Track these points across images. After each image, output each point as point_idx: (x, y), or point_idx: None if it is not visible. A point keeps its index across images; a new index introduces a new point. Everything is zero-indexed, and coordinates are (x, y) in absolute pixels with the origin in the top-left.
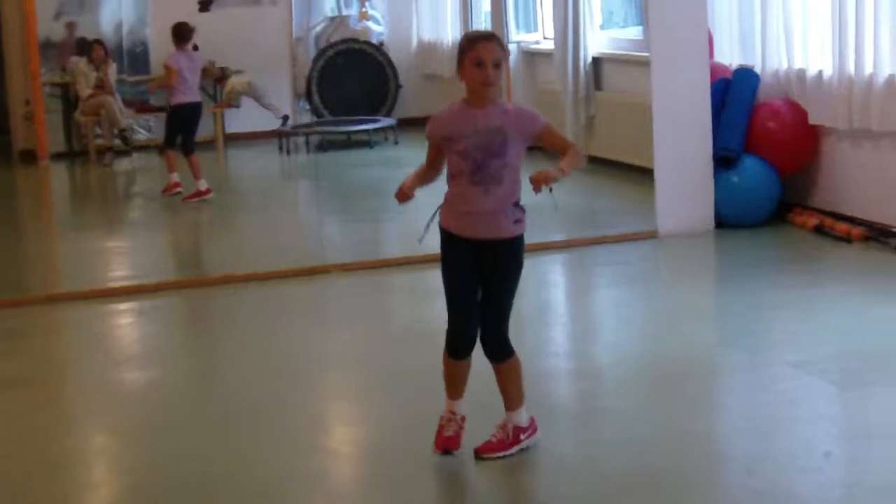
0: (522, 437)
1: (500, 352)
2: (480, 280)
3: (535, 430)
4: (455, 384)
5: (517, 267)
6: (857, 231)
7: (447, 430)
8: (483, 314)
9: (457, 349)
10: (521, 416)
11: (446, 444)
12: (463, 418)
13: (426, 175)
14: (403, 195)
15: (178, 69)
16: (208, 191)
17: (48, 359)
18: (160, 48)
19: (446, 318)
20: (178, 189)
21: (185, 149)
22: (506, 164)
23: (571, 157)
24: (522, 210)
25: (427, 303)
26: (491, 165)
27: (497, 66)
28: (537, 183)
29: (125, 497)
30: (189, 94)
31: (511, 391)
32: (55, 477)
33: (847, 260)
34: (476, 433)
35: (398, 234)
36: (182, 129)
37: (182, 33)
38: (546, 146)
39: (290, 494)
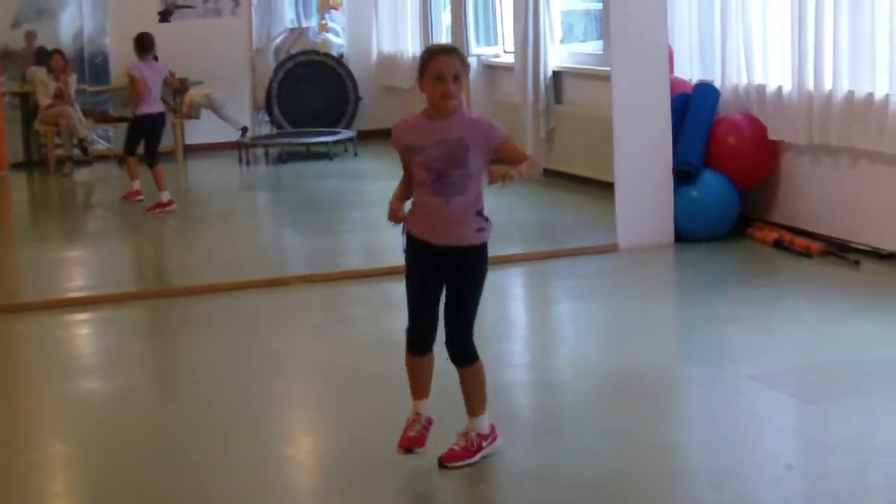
0: (484, 444)
1: (466, 356)
2: (444, 286)
3: (495, 438)
4: (418, 383)
5: (481, 274)
6: (816, 246)
7: (411, 430)
8: (448, 320)
9: (414, 343)
10: (483, 423)
11: (409, 443)
12: (428, 420)
13: (407, 187)
14: (395, 216)
15: (142, 78)
16: (171, 202)
17: (8, 369)
18: (120, 58)
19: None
20: (140, 197)
21: (149, 159)
22: (468, 174)
23: (529, 165)
24: (486, 219)
25: (387, 314)
26: (453, 176)
27: (457, 79)
28: (493, 176)
29: None
30: (153, 104)
31: (474, 396)
32: (17, 488)
33: (807, 274)
34: (435, 442)
35: (358, 245)
36: (146, 138)
37: (144, 44)
38: (504, 159)
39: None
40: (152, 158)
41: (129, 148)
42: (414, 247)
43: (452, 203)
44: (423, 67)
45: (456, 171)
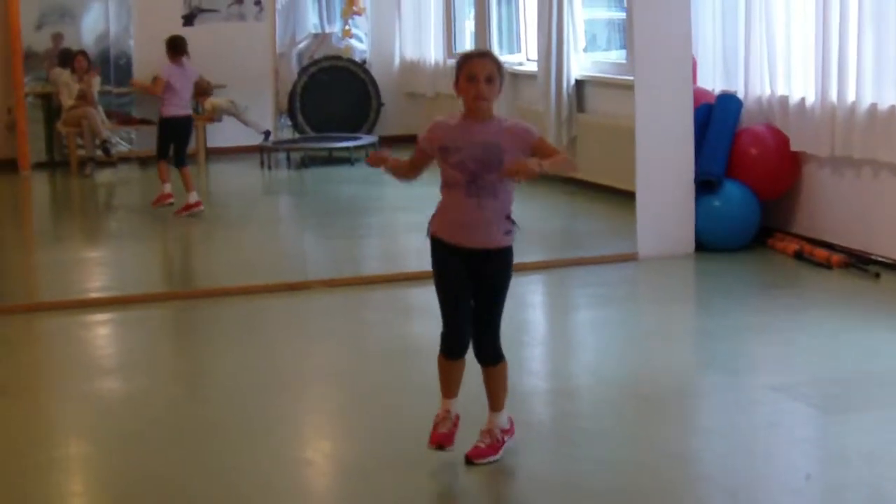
0: (507, 438)
1: (494, 357)
2: (472, 288)
3: (513, 432)
4: (450, 384)
5: (507, 276)
6: (836, 257)
7: (442, 427)
8: (476, 322)
9: (451, 350)
10: (504, 418)
11: (440, 440)
12: (457, 417)
13: (407, 171)
14: (378, 159)
15: (167, 80)
16: (198, 203)
17: (30, 369)
18: (143, 60)
19: (429, 332)
20: (170, 200)
21: (177, 161)
22: (501, 178)
23: (560, 160)
24: (513, 223)
25: (408, 319)
26: (486, 179)
27: (490, 80)
28: (511, 172)
29: None
30: (180, 107)
31: (498, 393)
32: (38, 486)
33: (827, 286)
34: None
35: (379, 250)
36: (173, 141)
37: (176, 46)
38: (540, 157)
39: None
40: (180, 160)
41: (160, 151)
42: (442, 250)
43: (484, 205)
44: (459, 70)
45: (490, 174)
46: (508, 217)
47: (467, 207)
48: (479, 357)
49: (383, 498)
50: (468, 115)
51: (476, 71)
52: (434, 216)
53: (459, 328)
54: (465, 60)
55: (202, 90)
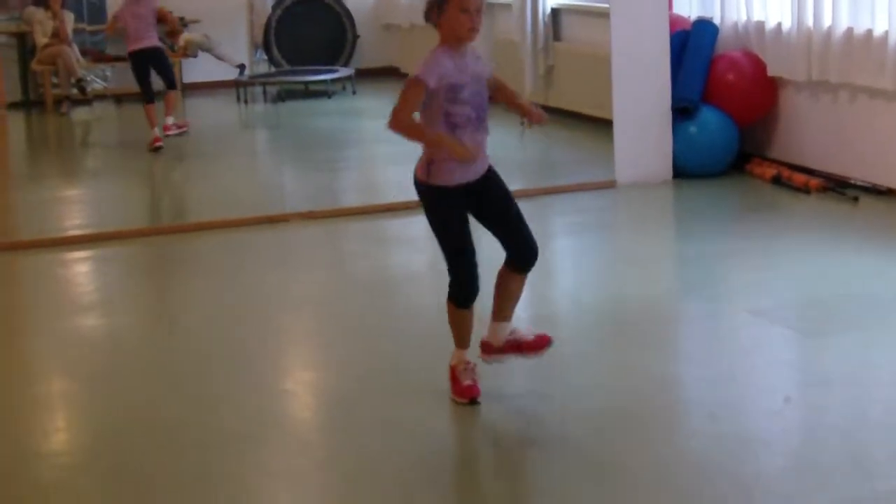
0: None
1: (536, 257)
2: (484, 216)
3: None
4: (464, 333)
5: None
6: (815, 182)
7: (467, 379)
8: (510, 230)
9: (466, 298)
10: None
11: (472, 393)
12: (475, 365)
13: (429, 129)
14: (469, 153)
15: (119, 15)
16: (182, 126)
17: (9, 307)
18: None
19: (408, 262)
20: (159, 143)
21: (166, 84)
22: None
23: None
24: None
25: (385, 250)
26: (486, 109)
27: (479, 11)
28: (540, 118)
29: (93, 442)
30: (138, 41)
31: (517, 300)
32: (20, 423)
33: (805, 210)
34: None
35: (356, 182)
36: (145, 74)
37: None
38: (497, 86)
39: (262, 437)
40: (168, 83)
41: (143, 94)
42: (448, 198)
43: (485, 137)
44: (445, 1)
45: (486, 101)
46: None
47: (480, 142)
48: (524, 262)
49: (365, 426)
50: (453, 48)
51: (469, 3)
52: (430, 165)
53: (475, 276)
54: None
55: (173, 29)
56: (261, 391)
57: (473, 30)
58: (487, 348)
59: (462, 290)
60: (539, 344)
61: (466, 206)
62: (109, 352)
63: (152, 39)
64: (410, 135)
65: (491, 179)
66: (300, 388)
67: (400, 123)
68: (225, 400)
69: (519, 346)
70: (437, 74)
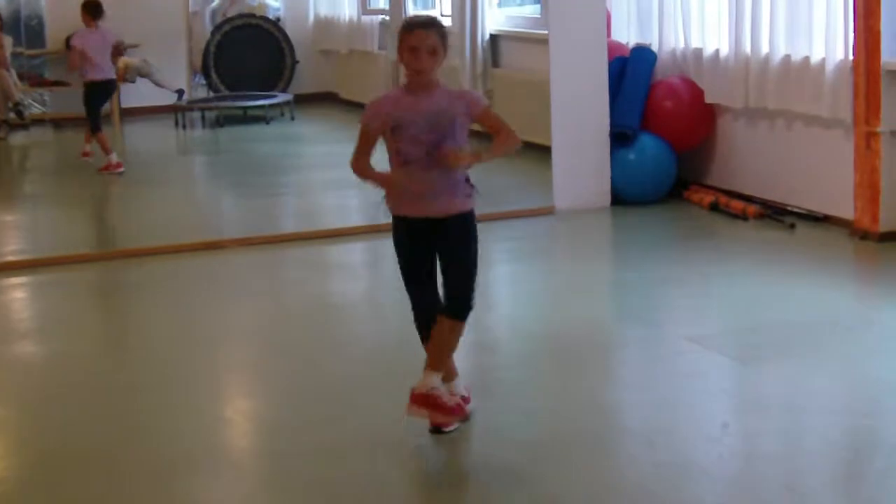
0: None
1: (465, 308)
2: (438, 256)
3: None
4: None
5: (473, 238)
6: (752, 209)
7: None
8: (448, 279)
9: (427, 325)
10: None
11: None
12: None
13: (368, 169)
14: (390, 180)
15: (80, 49)
16: (119, 164)
17: None
18: (56, 21)
19: (346, 289)
20: (120, 169)
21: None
22: (456, 144)
23: (501, 141)
24: (472, 185)
25: (324, 276)
26: (445, 145)
27: (433, 53)
28: (448, 158)
29: (28, 472)
30: (99, 72)
31: (448, 351)
32: None
33: (743, 237)
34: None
35: (295, 208)
36: (100, 103)
37: (92, 9)
38: (485, 127)
39: (198, 467)
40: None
41: (94, 123)
42: (403, 227)
43: (444, 174)
44: (400, 39)
45: (447, 141)
46: (467, 180)
47: (429, 180)
48: (451, 309)
49: (302, 454)
50: (411, 87)
51: (416, 43)
52: (388, 194)
53: (421, 310)
54: (407, 30)
55: (116, 51)
56: (198, 419)
57: (418, 70)
58: (410, 395)
59: (414, 313)
60: (449, 411)
61: (427, 242)
62: (49, 379)
63: (112, 72)
64: (361, 177)
65: (455, 225)
66: (238, 415)
67: (354, 166)
68: (161, 428)
69: (433, 405)
70: (378, 116)
